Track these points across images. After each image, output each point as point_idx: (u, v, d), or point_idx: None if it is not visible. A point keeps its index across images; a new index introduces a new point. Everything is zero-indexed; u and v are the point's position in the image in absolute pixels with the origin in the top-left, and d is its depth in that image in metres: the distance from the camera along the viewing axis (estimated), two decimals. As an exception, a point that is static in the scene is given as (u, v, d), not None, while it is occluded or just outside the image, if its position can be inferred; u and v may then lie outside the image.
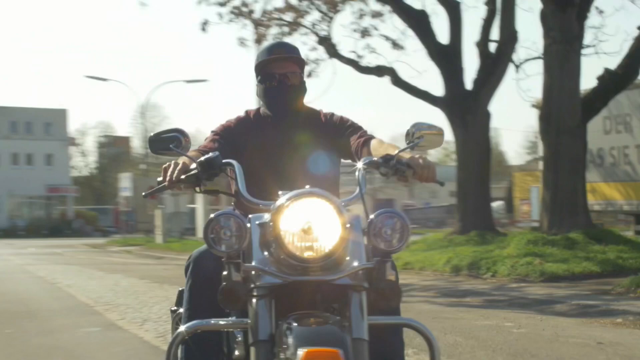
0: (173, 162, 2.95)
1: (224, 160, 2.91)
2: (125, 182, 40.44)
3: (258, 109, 3.50)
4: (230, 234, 2.54)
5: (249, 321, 2.55)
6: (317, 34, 18.33)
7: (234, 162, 2.92)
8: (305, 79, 3.52)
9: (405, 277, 12.45)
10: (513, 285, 10.77)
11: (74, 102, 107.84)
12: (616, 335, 6.81)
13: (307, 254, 2.47)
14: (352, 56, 18.33)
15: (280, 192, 2.60)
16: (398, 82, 17.74)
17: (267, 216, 2.58)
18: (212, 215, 2.59)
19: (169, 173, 2.88)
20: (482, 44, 17.07)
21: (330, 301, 2.59)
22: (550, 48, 14.56)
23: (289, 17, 18.42)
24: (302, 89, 3.43)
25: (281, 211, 2.49)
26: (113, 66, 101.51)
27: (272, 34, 18.60)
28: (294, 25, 18.43)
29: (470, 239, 15.15)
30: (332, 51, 17.86)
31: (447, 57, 16.99)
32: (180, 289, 3.45)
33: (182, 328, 2.72)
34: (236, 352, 2.86)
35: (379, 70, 18.04)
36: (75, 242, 35.18)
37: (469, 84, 16.97)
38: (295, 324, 2.39)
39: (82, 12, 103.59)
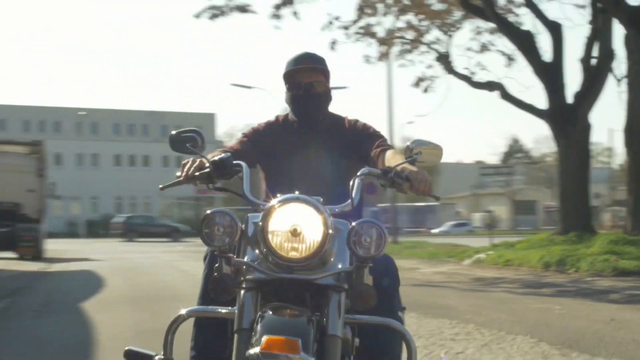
0: (191, 159, 3.13)
1: (234, 162, 3.09)
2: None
3: (287, 115, 3.67)
4: (223, 230, 2.71)
5: (236, 311, 2.71)
6: (437, 51, 20.42)
7: (242, 163, 3.10)
8: (330, 87, 3.61)
9: (502, 272, 14.42)
10: (588, 279, 12.54)
11: (221, 107, 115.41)
12: (630, 314, 8.54)
13: (292, 254, 2.64)
14: (466, 72, 20.35)
15: (278, 195, 2.75)
16: (506, 96, 19.60)
17: (260, 216, 2.74)
18: (207, 212, 2.76)
19: (185, 169, 3.09)
20: (585, 60, 18.64)
21: (314, 299, 2.73)
22: (632, 68, 16.11)
23: (410, 35, 20.61)
24: (326, 97, 3.55)
25: (270, 213, 2.65)
26: (256, 75, 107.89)
27: (394, 51, 20.91)
28: (415, 43, 20.61)
29: (568, 239, 16.74)
30: (449, 67, 19.89)
31: (550, 73, 18.69)
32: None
33: (182, 311, 2.90)
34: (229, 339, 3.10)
35: (490, 86, 19.95)
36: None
37: (570, 98, 18.62)
38: (269, 313, 2.57)
39: (233, 27, 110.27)
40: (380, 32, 19.81)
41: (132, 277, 14.73)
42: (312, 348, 2.49)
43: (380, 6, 19.17)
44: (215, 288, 2.68)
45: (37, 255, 20.98)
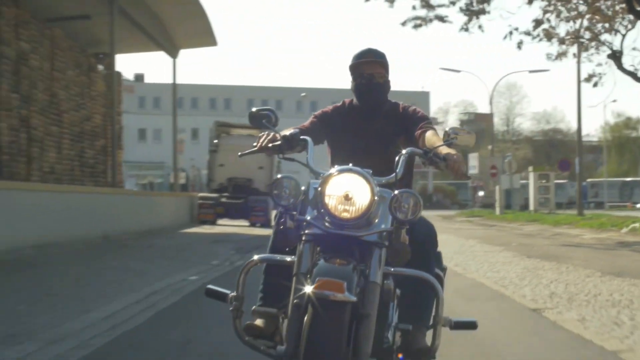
0: (266, 133, 3.60)
1: (301, 137, 3.62)
2: (472, 161, 46.23)
3: (352, 100, 4.08)
4: (289, 191, 3.23)
5: (296, 259, 3.20)
6: (611, 49, 22.30)
7: (308, 138, 3.62)
8: (389, 78, 3.99)
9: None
10: None
11: (433, 87, 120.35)
12: None
13: (344, 215, 3.15)
14: (631, 69, 22.09)
15: (335, 166, 3.25)
16: None
17: (319, 182, 3.23)
18: (278, 176, 3.29)
19: (260, 141, 3.58)
20: None
21: (360, 253, 3.16)
22: None
23: (587, 35, 22.66)
24: (385, 86, 3.97)
25: (327, 180, 3.17)
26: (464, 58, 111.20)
27: (572, 50, 23.05)
28: (591, 40, 22.63)
29: None
30: (619, 64, 21.75)
31: None
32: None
33: (255, 257, 3.44)
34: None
35: None
36: (431, 213, 39.85)
37: None
38: (322, 261, 3.05)
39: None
40: (561, 33, 22.03)
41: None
42: (354, 290, 2.91)
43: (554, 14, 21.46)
44: (281, 239, 3.24)
45: (266, 224, 23.93)
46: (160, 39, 22.37)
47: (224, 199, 24.80)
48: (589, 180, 61.54)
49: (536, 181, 33.58)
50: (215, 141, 26.39)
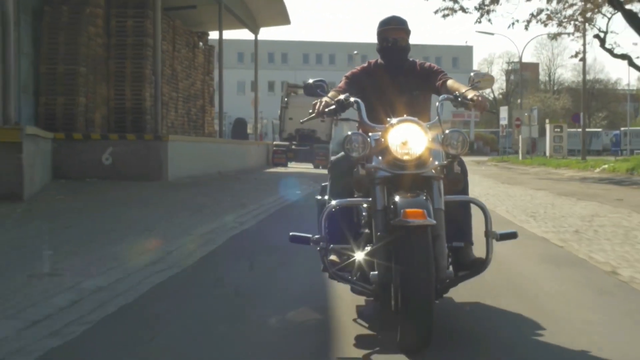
0: (319, 100, 4.29)
1: (352, 99, 4.26)
2: (503, 113, 51.43)
3: (376, 60, 4.80)
4: (358, 145, 3.90)
5: (371, 199, 3.89)
6: (599, 30, 27.84)
7: (359, 100, 4.28)
8: (409, 41, 4.70)
9: (605, 175, 22.45)
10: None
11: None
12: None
13: (405, 157, 3.83)
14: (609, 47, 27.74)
15: (388, 119, 3.93)
16: (632, 64, 27.16)
17: (380, 134, 3.92)
18: (348, 133, 3.92)
19: (317, 107, 4.27)
20: None
21: (421, 188, 3.84)
22: None
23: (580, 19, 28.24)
24: (407, 48, 4.69)
25: (388, 131, 3.86)
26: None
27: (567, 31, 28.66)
28: (584, 23, 28.19)
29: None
30: (602, 43, 27.31)
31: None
32: (323, 184, 4.77)
33: (333, 202, 4.07)
34: (363, 222, 4.34)
35: (623, 57, 27.55)
36: (469, 159, 46.35)
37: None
38: (397, 197, 3.69)
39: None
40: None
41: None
42: (432, 215, 3.60)
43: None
44: (356, 185, 4.00)
45: (326, 166, 30.15)
46: (246, 19, 28.38)
47: (293, 146, 30.78)
48: (622, 129, 65.53)
49: (552, 131, 39.21)
50: (286, 99, 32.43)
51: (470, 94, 4.21)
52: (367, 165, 3.90)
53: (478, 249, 4.25)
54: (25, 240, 7.09)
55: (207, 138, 24.45)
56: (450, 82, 4.54)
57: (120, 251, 6.51)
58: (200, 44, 27.23)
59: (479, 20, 26.71)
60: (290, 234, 4.24)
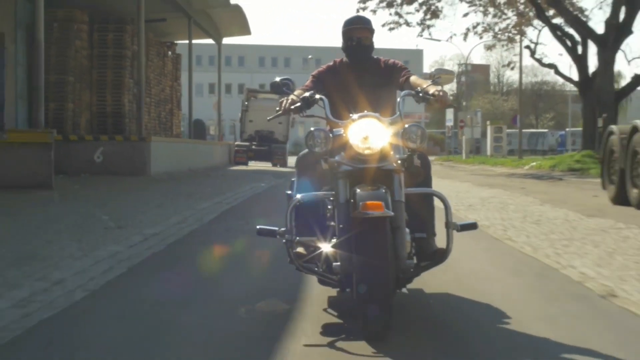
0: (286, 97, 4.44)
1: (316, 96, 4.38)
2: (448, 115, 54.60)
3: (342, 59, 4.88)
4: (320, 140, 4.05)
5: (334, 192, 4.06)
6: (531, 41, 31.25)
7: (323, 97, 4.39)
8: (373, 40, 4.80)
9: (533, 171, 25.70)
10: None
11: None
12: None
13: (366, 151, 4.00)
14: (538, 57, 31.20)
15: (351, 115, 4.09)
16: (558, 73, 31.02)
17: (342, 129, 4.06)
18: (311, 129, 4.09)
19: (283, 105, 4.44)
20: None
21: (382, 181, 3.98)
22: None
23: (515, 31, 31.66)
24: (371, 47, 4.80)
25: (349, 126, 4.03)
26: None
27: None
28: (516, 35, 31.60)
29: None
30: (532, 53, 30.82)
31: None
32: (292, 179, 4.82)
33: (298, 196, 4.23)
34: (328, 215, 4.34)
35: (550, 66, 31.22)
36: None
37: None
38: (359, 191, 3.87)
39: None
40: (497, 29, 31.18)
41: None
42: (390, 207, 3.80)
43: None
44: (320, 179, 4.30)
45: (283, 164, 32.81)
46: (211, 31, 31.12)
47: (253, 146, 33.54)
48: (567, 129, 68.58)
49: (492, 132, 42.72)
50: (246, 103, 35.24)
51: (432, 89, 4.38)
52: (329, 160, 4.08)
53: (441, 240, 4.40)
54: (80, 211, 9.84)
55: (180, 139, 27.21)
56: (413, 78, 4.67)
57: (152, 216, 9.33)
58: (170, 53, 29.87)
59: (420, 34, 29.86)
60: (258, 227, 4.48)
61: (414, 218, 4.28)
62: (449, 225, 4.18)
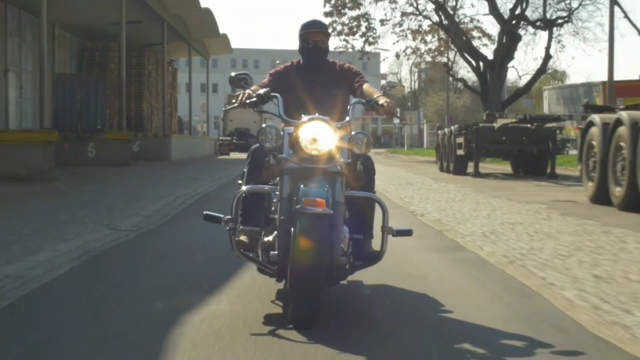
0: (242, 92, 4.58)
1: (272, 94, 4.58)
2: (399, 113, 63.79)
3: (299, 61, 5.05)
4: (271, 137, 4.19)
5: (279, 187, 4.25)
6: (448, 59, 40.10)
7: (278, 95, 4.59)
8: (329, 44, 4.97)
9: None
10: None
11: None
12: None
13: (313, 152, 4.17)
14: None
15: (302, 116, 4.24)
16: (467, 86, 39.55)
17: (293, 129, 4.19)
18: (263, 126, 4.25)
19: (239, 98, 4.57)
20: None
21: (326, 181, 4.17)
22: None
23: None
24: (326, 50, 4.98)
25: (300, 127, 4.19)
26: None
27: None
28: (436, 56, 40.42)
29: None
30: (449, 71, 39.78)
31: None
32: (244, 169, 4.90)
33: (243, 188, 4.42)
34: (272, 208, 4.51)
35: (460, 80, 39.97)
36: (374, 150, 58.93)
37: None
38: (302, 187, 4.07)
39: None
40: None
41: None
42: (330, 206, 4.01)
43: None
44: (267, 173, 4.33)
45: None
46: (202, 52, 39.86)
47: (234, 141, 42.16)
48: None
49: (428, 129, 51.89)
50: (228, 105, 43.96)
51: (382, 100, 4.64)
52: (278, 156, 4.26)
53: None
54: (169, 173, 18.43)
55: (187, 136, 36.07)
56: (365, 86, 4.89)
57: (207, 174, 18.05)
58: (170, 68, 38.52)
59: (361, 58, 38.54)
60: (204, 212, 4.64)
61: (354, 219, 4.49)
62: (385, 229, 4.35)
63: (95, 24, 27.75)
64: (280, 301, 4.62)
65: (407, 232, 4.66)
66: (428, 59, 40.50)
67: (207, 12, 30.81)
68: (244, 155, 39.18)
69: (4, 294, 4.88)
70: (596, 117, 11.50)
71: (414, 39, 37.72)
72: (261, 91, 4.62)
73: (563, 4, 34.18)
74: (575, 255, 6.48)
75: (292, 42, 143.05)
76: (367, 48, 37.54)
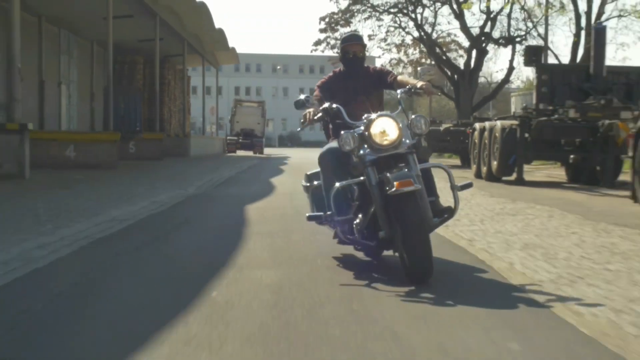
0: (308, 110, 5.43)
1: (334, 106, 5.37)
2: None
3: (339, 70, 5.98)
4: (349, 141, 5.03)
5: (365, 178, 4.99)
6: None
7: (340, 106, 5.37)
8: (366, 52, 5.99)
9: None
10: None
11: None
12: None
13: (385, 142, 4.99)
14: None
15: (366, 115, 5.13)
16: (443, 92, 44.58)
17: (362, 128, 5.05)
18: (342, 132, 5.09)
19: (307, 117, 5.42)
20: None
21: (401, 163, 4.97)
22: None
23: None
24: (364, 59, 5.92)
25: (371, 124, 5.01)
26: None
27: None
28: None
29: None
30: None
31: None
32: (308, 173, 5.99)
33: (337, 184, 5.17)
34: (355, 196, 5.29)
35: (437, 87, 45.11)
36: None
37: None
38: (387, 174, 4.81)
39: None
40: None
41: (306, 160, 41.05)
42: (416, 181, 4.75)
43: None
44: (355, 169, 5.09)
45: (261, 152, 46.72)
46: (212, 61, 45.38)
47: (240, 140, 47.37)
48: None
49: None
50: (234, 109, 49.64)
51: (419, 84, 5.43)
52: (358, 154, 5.05)
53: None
54: (189, 167, 23.88)
55: (202, 136, 41.70)
56: (400, 78, 5.79)
57: (209, 175, 23.60)
58: (185, 77, 44.04)
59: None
60: (307, 214, 5.64)
61: (424, 186, 5.07)
62: (454, 187, 5.17)
63: (125, 41, 32.97)
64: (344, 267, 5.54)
65: (468, 185, 5.36)
66: (410, 69, 45.80)
67: (220, 32, 36.17)
68: (249, 153, 48.64)
69: (112, 226, 9.23)
70: (476, 125, 19.22)
71: (398, 51, 43.09)
72: (325, 106, 5.52)
73: (523, 23, 39.49)
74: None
75: (292, 45, 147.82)
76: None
